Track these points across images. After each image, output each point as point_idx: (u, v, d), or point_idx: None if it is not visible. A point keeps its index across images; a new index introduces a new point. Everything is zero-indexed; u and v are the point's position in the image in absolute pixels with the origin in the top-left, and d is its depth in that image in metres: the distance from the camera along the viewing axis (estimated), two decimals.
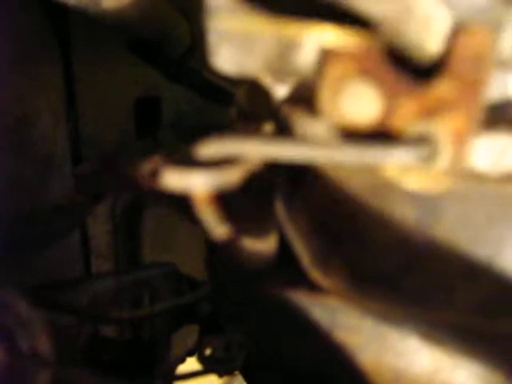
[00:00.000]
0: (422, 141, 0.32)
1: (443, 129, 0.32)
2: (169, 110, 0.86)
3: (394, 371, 0.42)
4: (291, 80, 0.42)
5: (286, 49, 0.34)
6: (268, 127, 0.44)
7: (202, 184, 0.37)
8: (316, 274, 0.42)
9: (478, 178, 0.35)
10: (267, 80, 0.42)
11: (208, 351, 0.77)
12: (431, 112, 0.32)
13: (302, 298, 0.43)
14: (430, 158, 0.32)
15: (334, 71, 0.33)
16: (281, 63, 0.35)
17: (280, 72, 0.36)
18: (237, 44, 0.36)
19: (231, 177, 0.37)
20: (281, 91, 0.43)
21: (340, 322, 0.42)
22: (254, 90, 0.49)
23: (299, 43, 0.34)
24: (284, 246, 0.45)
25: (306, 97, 0.39)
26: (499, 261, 0.37)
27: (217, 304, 0.71)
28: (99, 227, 0.83)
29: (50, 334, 0.39)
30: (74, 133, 0.76)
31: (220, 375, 0.78)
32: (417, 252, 0.38)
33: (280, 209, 0.44)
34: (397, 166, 0.33)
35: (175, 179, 0.37)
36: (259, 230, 0.44)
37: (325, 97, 0.33)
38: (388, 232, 0.38)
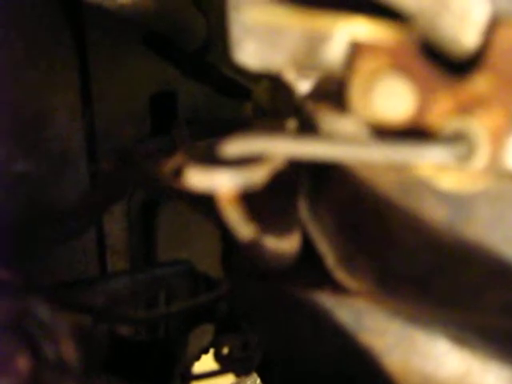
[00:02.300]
0: (458, 139, 0.31)
1: (480, 126, 0.30)
2: (184, 106, 0.85)
3: (422, 374, 0.41)
4: (315, 75, 0.40)
5: (315, 42, 0.33)
6: (291, 124, 0.43)
7: (226, 183, 0.36)
8: (341, 275, 0.41)
9: (510, 178, 0.34)
10: (291, 75, 0.41)
11: (225, 350, 0.77)
12: (468, 108, 0.30)
13: (326, 299, 0.42)
14: (467, 157, 0.31)
15: (365, 66, 0.31)
16: (308, 57, 0.34)
17: (307, 67, 0.35)
18: (262, 38, 0.35)
19: (257, 176, 0.36)
20: (304, 86, 0.42)
21: (366, 324, 0.41)
22: (276, 85, 0.48)
23: (328, 36, 0.33)
24: (307, 246, 0.44)
25: (331, 92, 0.38)
26: None
27: (235, 304, 0.70)
28: (115, 225, 0.83)
29: (74, 340, 0.38)
30: (89, 129, 0.76)
31: (237, 375, 0.78)
32: (447, 252, 0.37)
33: (304, 208, 0.43)
34: (431, 164, 0.32)
35: (200, 178, 0.36)
36: (282, 229, 0.43)
37: (355, 92, 0.32)
38: (418, 232, 0.37)
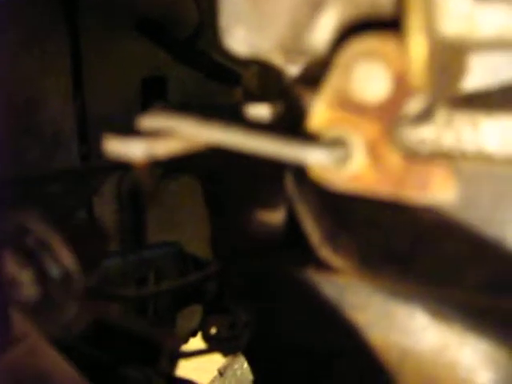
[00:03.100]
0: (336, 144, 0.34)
1: (359, 136, 0.34)
2: (174, 91, 0.86)
3: (402, 348, 0.42)
4: (303, 60, 0.42)
5: (302, 27, 0.35)
6: (278, 107, 0.45)
7: (139, 152, 0.39)
8: (325, 252, 0.43)
9: (486, 159, 0.36)
10: (279, 60, 0.43)
11: (213, 330, 0.78)
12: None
13: (310, 276, 0.44)
14: (343, 160, 0.35)
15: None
16: (295, 42, 0.36)
17: (294, 51, 0.37)
18: (250, 24, 0.36)
19: (161, 148, 0.39)
20: (292, 71, 0.43)
21: (348, 300, 0.43)
22: (265, 70, 0.49)
23: (314, 22, 0.34)
24: (292, 225, 0.45)
25: (318, 76, 0.39)
26: (506, 240, 0.38)
27: (222, 283, 0.72)
28: (105, 207, 0.84)
29: (71, 251, 0.40)
30: (80, 113, 0.77)
31: (224, 354, 0.79)
32: (426, 231, 0.38)
33: (290, 187, 0.44)
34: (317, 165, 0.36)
35: (117, 147, 0.39)
36: (269, 203, 0.45)
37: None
38: (397, 211, 0.39)
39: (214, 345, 0.78)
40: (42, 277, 0.40)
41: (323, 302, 0.43)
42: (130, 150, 0.39)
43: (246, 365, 1.63)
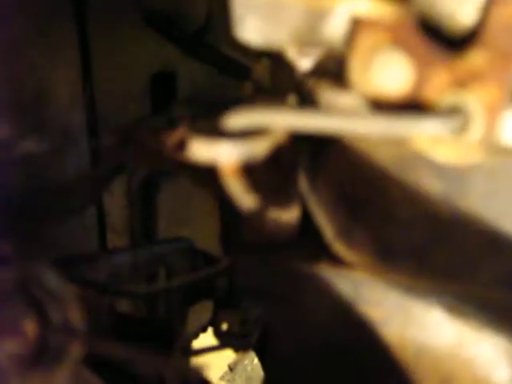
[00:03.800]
0: (453, 112, 0.32)
1: (475, 101, 0.31)
2: (184, 85, 0.86)
3: (418, 344, 0.42)
4: (316, 52, 0.41)
5: (315, 18, 0.34)
6: (291, 100, 0.44)
7: (229, 155, 0.37)
8: (339, 247, 0.42)
9: (506, 151, 0.35)
10: (292, 52, 0.42)
11: (224, 326, 0.78)
12: (464, 83, 0.31)
13: (324, 271, 0.43)
14: (462, 129, 0.32)
15: (365, 41, 0.32)
16: (309, 34, 0.35)
17: (308, 43, 0.36)
18: (263, 14, 0.35)
19: (258, 148, 0.37)
20: (305, 64, 0.43)
21: (363, 296, 0.42)
22: (277, 63, 0.48)
23: (329, 12, 0.34)
24: (307, 220, 0.45)
25: (331, 70, 0.39)
26: None
27: (233, 279, 0.71)
28: (115, 203, 0.83)
29: (80, 307, 0.39)
30: (90, 106, 0.76)
31: (235, 350, 0.79)
32: (443, 225, 0.38)
33: (303, 182, 0.44)
34: (427, 137, 0.33)
35: (203, 150, 0.37)
36: (283, 202, 0.44)
37: (355, 67, 0.33)
38: (415, 204, 0.38)
39: (224, 341, 0.78)
40: (43, 323, 0.39)
41: (337, 298, 0.43)
42: (222, 153, 0.37)
43: (256, 361, 1.64)
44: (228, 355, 1.70)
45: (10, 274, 0.38)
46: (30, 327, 0.37)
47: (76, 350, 0.38)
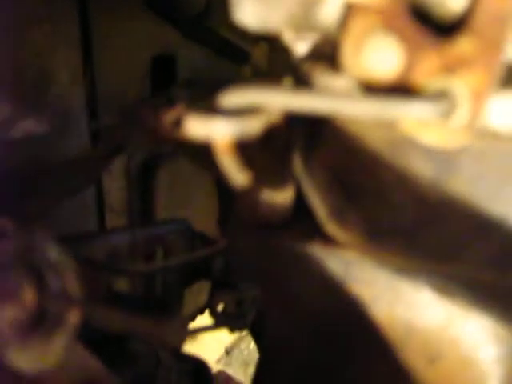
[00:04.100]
0: (440, 96, 0.32)
1: (462, 85, 0.32)
2: (184, 68, 0.87)
3: (406, 323, 0.43)
4: (312, 37, 0.42)
5: (310, 4, 0.35)
6: (286, 83, 0.45)
7: (224, 132, 0.38)
8: (332, 228, 0.43)
9: (494, 136, 0.36)
10: (289, 36, 0.43)
11: (220, 306, 0.79)
12: (451, 68, 0.32)
13: (316, 251, 0.44)
14: (448, 113, 0.33)
15: (357, 25, 0.33)
16: (304, 19, 0.36)
17: (303, 27, 0.37)
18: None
19: (252, 125, 0.37)
20: (301, 48, 0.43)
21: (354, 275, 0.43)
22: (274, 47, 0.49)
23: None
24: (299, 201, 0.46)
25: (326, 54, 0.40)
26: (511, 217, 0.38)
27: (230, 259, 0.72)
28: (114, 183, 0.84)
29: (78, 276, 0.40)
30: (90, 89, 0.77)
31: (231, 330, 0.80)
32: (433, 206, 0.39)
33: (297, 162, 0.45)
34: (415, 120, 0.34)
35: (198, 127, 0.38)
36: (277, 182, 0.45)
37: (347, 50, 0.34)
38: (405, 186, 0.39)
39: (220, 321, 0.79)
40: (42, 291, 0.40)
41: (328, 277, 0.44)
42: (216, 129, 0.37)
43: (252, 345, 1.65)
44: (224, 339, 1.71)
45: (11, 244, 0.39)
46: (28, 295, 0.38)
47: (74, 318, 0.39)
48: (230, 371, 1.58)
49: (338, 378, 0.46)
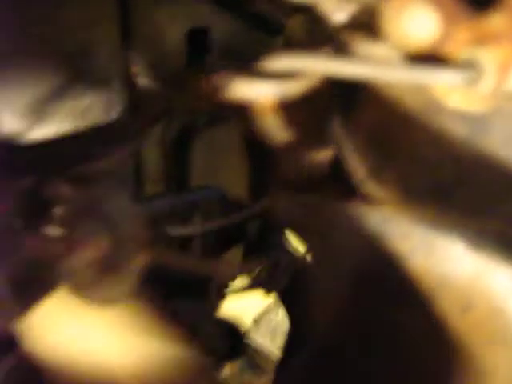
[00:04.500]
0: (469, 66, 0.35)
1: (490, 57, 0.35)
2: (217, 41, 0.88)
3: (440, 275, 0.46)
4: (349, 7, 0.44)
5: None
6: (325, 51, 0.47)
7: (267, 93, 0.40)
8: (370, 186, 0.46)
9: None
10: (327, 6, 0.45)
11: (255, 271, 0.82)
12: (482, 42, 0.35)
13: (355, 208, 0.47)
14: (475, 82, 0.35)
15: None
16: None
17: None
18: None
19: (295, 88, 0.40)
20: (339, 18, 0.46)
21: (391, 230, 0.46)
22: (312, 17, 0.51)
23: None
24: (339, 162, 0.48)
25: (364, 23, 0.42)
26: None
27: (269, 218, 0.74)
28: (150, 152, 0.86)
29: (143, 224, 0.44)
30: (127, 64, 0.79)
31: (267, 291, 0.83)
32: (466, 166, 0.41)
33: (336, 125, 0.47)
34: (445, 86, 0.37)
35: (242, 89, 0.40)
36: (318, 142, 0.47)
37: (387, 18, 0.36)
38: (439, 147, 0.42)
39: (255, 283, 0.82)
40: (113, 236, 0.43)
41: (367, 232, 0.47)
42: (260, 91, 0.39)
43: (280, 315, 1.67)
44: (253, 310, 1.74)
45: (84, 193, 0.43)
46: (103, 240, 0.42)
47: (142, 260, 0.42)
48: (259, 340, 1.61)
49: (376, 324, 0.49)
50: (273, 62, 0.40)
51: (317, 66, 0.39)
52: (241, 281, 0.84)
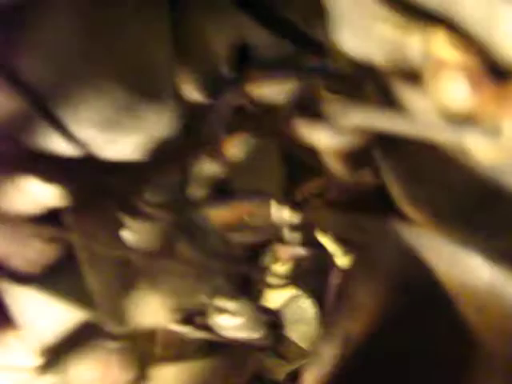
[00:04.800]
0: (493, 128, 0.40)
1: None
2: (257, 56, 0.90)
3: (460, 282, 0.54)
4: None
5: (401, 45, 0.43)
6: (370, 92, 0.51)
7: (328, 141, 0.48)
8: (407, 209, 0.54)
9: None
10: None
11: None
12: (504, 106, 0.39)
13: (394, 225, 0.56)
14: (497, 143, 0.39)
15: (441, 66, 0.41)
16: (396, 55, 0.44)
17: (393, 60, 0.45)
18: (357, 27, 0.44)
19: (353, 140, 0.47)
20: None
21: (423, 244, 0.55)
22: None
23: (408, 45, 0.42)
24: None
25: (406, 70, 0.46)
26: None
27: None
28: None
29: None
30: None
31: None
32: (489, 191, 0.47)
33: (378, 157, 0.55)
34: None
35: (308, 133, 0.47)
36: (364, 170, 0.56)
37: (432, 80, 0.41)
38: (465, 174, 0.47)
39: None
40: None
41: (404, 245, 0.56)
42: (322, 138, 0.46)
43: (305, 304, 1.68)
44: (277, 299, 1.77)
45: None
46: None
47: None
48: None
49: (410, 326, 0.57)
50: (340, 113, 0.46)
51: (380, 125, 0.45)
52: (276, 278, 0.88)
